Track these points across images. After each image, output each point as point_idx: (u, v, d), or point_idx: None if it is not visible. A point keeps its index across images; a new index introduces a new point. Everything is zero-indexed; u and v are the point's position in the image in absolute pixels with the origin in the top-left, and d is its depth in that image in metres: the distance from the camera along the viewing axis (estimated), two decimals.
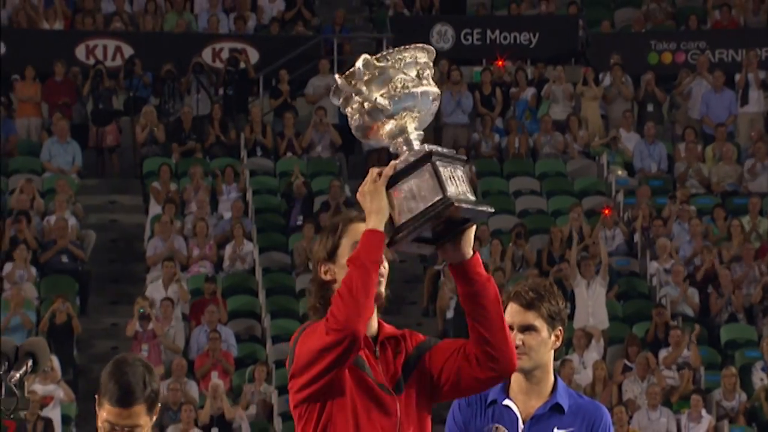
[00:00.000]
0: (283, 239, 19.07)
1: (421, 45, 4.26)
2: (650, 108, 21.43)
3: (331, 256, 4.31)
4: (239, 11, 22.23)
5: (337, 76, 4.23)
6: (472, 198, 4.22)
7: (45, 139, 20.14)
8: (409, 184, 4.17)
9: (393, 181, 4.20)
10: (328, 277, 4.29)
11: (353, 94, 4.19)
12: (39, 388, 15.56)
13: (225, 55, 21.33)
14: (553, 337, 4.73)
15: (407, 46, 4.23)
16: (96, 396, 4.36)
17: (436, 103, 4.34)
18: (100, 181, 20.52)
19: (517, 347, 4.60)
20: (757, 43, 21.97)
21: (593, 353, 17.08)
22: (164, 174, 19.27)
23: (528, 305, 4.69)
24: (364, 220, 4.24)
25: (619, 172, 20.51)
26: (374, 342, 4.38)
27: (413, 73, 4.21)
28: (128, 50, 21.24)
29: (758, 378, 16.91)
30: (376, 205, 4.19)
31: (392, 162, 4.24)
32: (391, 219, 4.21)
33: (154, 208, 19.12)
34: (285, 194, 19.61)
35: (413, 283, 19.12)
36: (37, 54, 20.72)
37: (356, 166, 20.68)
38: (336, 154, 20.55)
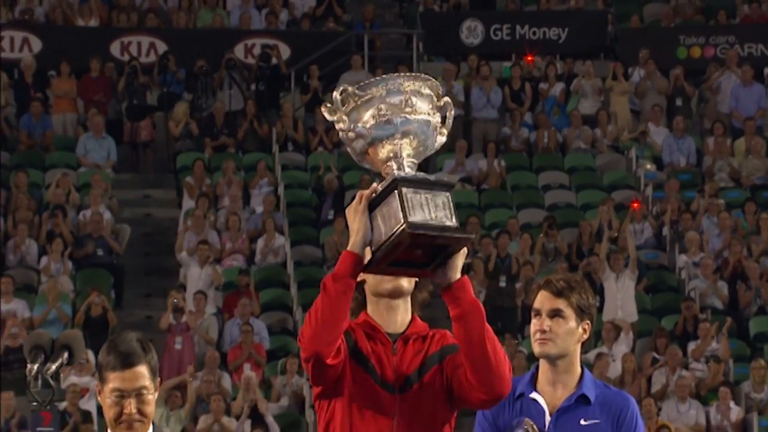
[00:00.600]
0: (314, 233, 19.27)
1: (415, 74, 4.32)
2: (679, 102, 21.49)
3: None
4: (271, 7, 22.43)
5: (323, 108, 4.32)
6: (450, 224, 4.22)
7: (80, 135, 20.39)
8: (383, 210, 4.23)
9: (373, 206, 4.24)
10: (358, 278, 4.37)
11: (336, 123, 4.29)
12: (75, 379, 15.80)
13: (257, 51, 21.53)
14: (580, 330, 4.73)
15: (397, 74, 4.30)
16: (96, 383, 4.48)
17: (437, 135, 4.35)
18: (135, 176, 20.75)
19: (543, 332, 4.68)
20: None
21: (622, 346, 17.20)
22: (197, 169, 19.48)
23: (558, 293, 4.71)
24: None
25: (648, 166, 20.60)
26: (399, 337, 4.44)
27: (396, 100, 4.25)
28: (162, 46, 21.47)
29: None
30: (356, 226, 4.24)
31: (374, 184, 4.29)
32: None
33: (188, 203, 19.34)
34: (316, 188, 19.81)
35: None
36: (72, 50, 20.97)
37: None
38: None
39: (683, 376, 16.54)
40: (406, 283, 4.44)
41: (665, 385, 16.52)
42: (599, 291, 17.56)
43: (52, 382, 8.84)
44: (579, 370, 4.78)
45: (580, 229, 18.71)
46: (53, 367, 8.89)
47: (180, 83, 21.10)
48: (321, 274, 18.62)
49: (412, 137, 4.31)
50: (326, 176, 19.57)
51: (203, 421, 15.76)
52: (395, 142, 4.29)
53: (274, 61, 21.23)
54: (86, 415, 15.13)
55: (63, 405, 15.02)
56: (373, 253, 4.24)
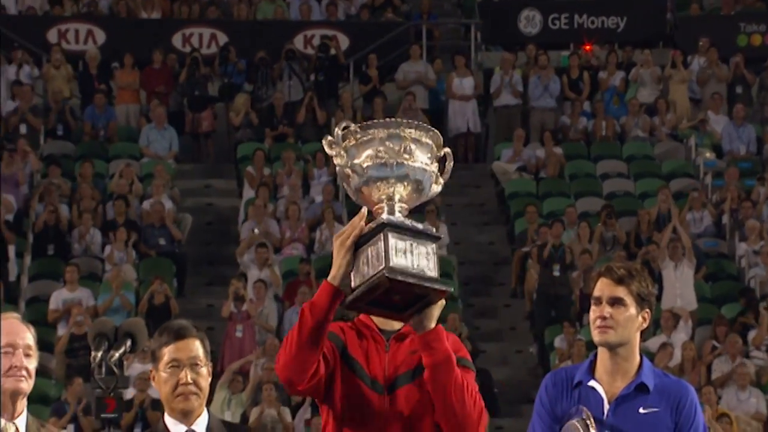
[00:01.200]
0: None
1: (417, 123, 4.35)
2: (739, 90, 21.38)
3: None
4: None
5: (324, 140, 4.41)
6: (430, 275, 4.27)
7: (143, 126, 20.64)
8: (368, 251, 4.29)
9: (360, 243, 4.32)
10: None
11: (334, 157, 4.38)
12: (139, 367, 16.04)
13: (316, 41, 21.66)
14: (640, 318, 4.70)
15: (401, 120, 4.37)
16: (151, 370, 4.61)
17: (433, 184, 4.39)
18: (196, 166, 20.97)
19: (605, 319, 4.67)
20: None
21: (681, 334, 17.18)
22: (258, 158, 19.67)
23: (619, 280, 4.68)
24: None
25: (707, 155, 20.53)
26: (394, 334, 4.50)
27: (396, 147, 4.31)
28: (223, 38, 21.66)
29: None
30: (338, 260, 4.32)
31: (362, 223, 4.35)
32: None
33: (248, 192, 19.53)
34: None
35: (501, 265, 19.35)
36: (135, 42, 21.20)
37: None
38: None
39: (743, 364, 16.50)
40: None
41: (725, 374, 16.50)
42: (658, 279, 17.56)
43: (115, 370, 8.99)
44: (638, 358, 4.76)
45: (639, 218, 18.70)
46: (116, 354, 9.02)
47: (240, 74, 21.29)
48: None
49: (406, 183, 4.34)
50: None
51: (258, 410, 15.81)
52: (390, 185, 4.33)
53: (333, 51, 21.36)
54: (155, 403, 15.36)
55: (129, 392, 15.26)
56: (352, 290, 4.32)
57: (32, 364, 4.49)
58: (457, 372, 4.37)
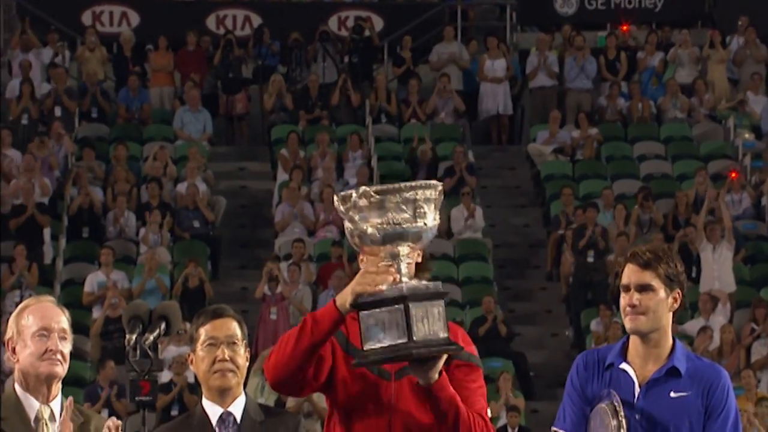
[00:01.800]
0: None
1: (426, 182, 4.42)
2: None
3: None
4: None
5: (335, 198, 4.44)
6: (442, 335, 4.34)
7: (177, 108, 20.64)
8: (382, 315, 4.31)
9: (369, 303, 4.33)
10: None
11: (343, 214, 4.40)
12: (174, 350, 16.06)
13: (350, 23, 21.58)
14: (671, 299, 4.65)
15: (413, 183, 4.41)
16: (189, 353, 4.64)
17: (434, 232, 4.49)
18: (230, 149, 20.97)
19: (634, 307, 4.62)
20: None
21: (719, 317, 17.02)
22: (292, 141, 19.63)
23: (645, 265, 4.63)
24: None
25: (746, 136, 20.31)
26: None
27: (410, 212, 4.38)
28: (257, 20, 21.62)
29: None
30: (359, 288, 4.30)
31: (379, 277, 4.32)
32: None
33: (282, 175, 19.50)
34: (409, 160, 19.85)
35: (537, 248, 19.23)
36: (169, 24, 21.20)
37: (479, 131, 20.80)
38: (459, 120, 20.70)
39: None
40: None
41: (765, 356, 16.32)
42: (696, 262, 17.39)
43: (150, 353, 8.96)
44: (670, 341, 4.71)
45: (676, 200, 18.53)
46: (151, 337, 8.99)
47: (274, 56, 21.25)
48: None
49: (412, 242, 4.43)
50: (420, 148, 19.60)
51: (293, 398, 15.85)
52: (398, 244, 4.41)
53: (367, 33, 21.27)
54: (192, 387, 15.36)
55: (165, 375, 15.26)
56: (364, 353, 4.32)
57: (67, 347, 4.53)
58: (464, 411, 4.42)
